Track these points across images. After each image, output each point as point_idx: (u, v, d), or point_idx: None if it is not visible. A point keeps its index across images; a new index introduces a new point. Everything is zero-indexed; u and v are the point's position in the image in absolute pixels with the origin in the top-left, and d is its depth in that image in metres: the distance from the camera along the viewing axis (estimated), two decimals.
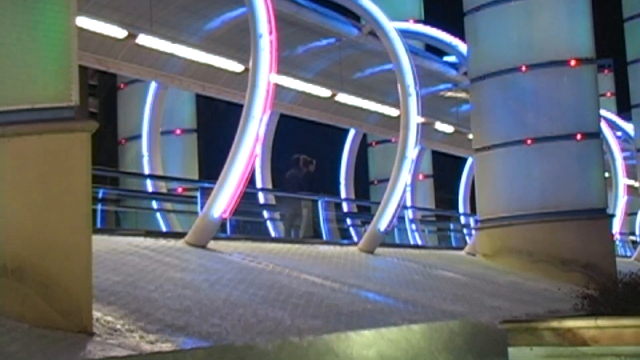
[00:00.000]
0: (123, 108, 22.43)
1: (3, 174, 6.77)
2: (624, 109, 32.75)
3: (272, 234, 19.80)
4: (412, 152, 15.89)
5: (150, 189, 19.13)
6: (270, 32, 12.23)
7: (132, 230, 14.09)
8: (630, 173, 28.86)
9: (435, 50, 22.41)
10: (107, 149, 23.30)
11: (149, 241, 11.80)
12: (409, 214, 24.02)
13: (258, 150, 12.75)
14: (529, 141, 17.84)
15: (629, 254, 28.73)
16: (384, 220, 15.74)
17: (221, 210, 12.08)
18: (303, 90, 19.60)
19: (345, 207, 23.25)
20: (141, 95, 20.14)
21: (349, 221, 22.55)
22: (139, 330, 6.74)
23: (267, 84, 12.07)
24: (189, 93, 21.05)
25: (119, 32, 15.00)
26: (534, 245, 17.49)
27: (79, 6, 7.09)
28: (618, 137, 27.84)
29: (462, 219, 26.49)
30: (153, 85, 19.46)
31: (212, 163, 17.50)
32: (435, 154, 27.80)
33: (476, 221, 19.23)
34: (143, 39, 15.47)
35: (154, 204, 19.13)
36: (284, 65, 15.30)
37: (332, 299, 9.94)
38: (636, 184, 30.07)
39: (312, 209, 17.92)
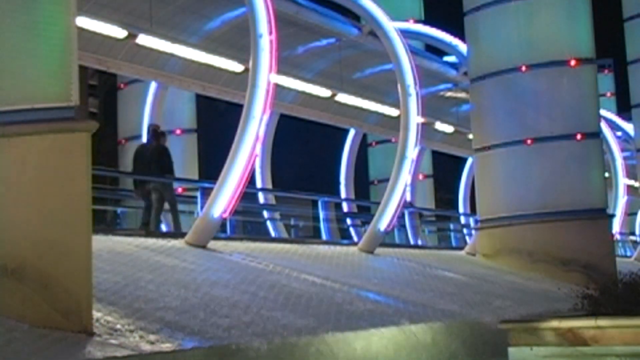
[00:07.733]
0: (123, 108, 22.40)
1: (3, 174, 6.77)
2: (624, 109, 32.73)
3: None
4: (412, 152, 15.90)
5: None
6: (270, 32, 12.26)
7: (132, 230, 14.09)
8: (630, 173, 28.85)
9: (436, 50, 22.40)
10: (107, 149, 23.28)
11: (149, 241, 11.80)
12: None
13: (258, 150, 12.73)
14: (529, 141, 17.84)
15: (629, 254, 28.71)
16: (384, 220, 15.75)
17: (221, 210, 12.10)
18: (303, 90, 19.59)
19: (345, 207, 23.23)
20: (141, 95, 20.11)
21: (349, 221, 22.55)
22: (139, 330, 6.73)
23: (267, 84, 12.10)
24: (189, 93, 21.03)
25: (119, 32, 14.99)
26: (534, 245, 17.48)
27: (79, 6, 7.09)
28: (618, 137, 27.83)
29: (462, 219, 26.48)
30: (153, 85, 19.44)
31: (212, 163, 17.46)
32: (435, 154, 27.80)
33: (476, 221, 19.22)
34: (143, 39, 15.46)
35: None
36: (284, 65, 15.30)
37: (332, 299, 9.94)
38: (636, 184, 30.06)
39: (167, 193, 14.08)
